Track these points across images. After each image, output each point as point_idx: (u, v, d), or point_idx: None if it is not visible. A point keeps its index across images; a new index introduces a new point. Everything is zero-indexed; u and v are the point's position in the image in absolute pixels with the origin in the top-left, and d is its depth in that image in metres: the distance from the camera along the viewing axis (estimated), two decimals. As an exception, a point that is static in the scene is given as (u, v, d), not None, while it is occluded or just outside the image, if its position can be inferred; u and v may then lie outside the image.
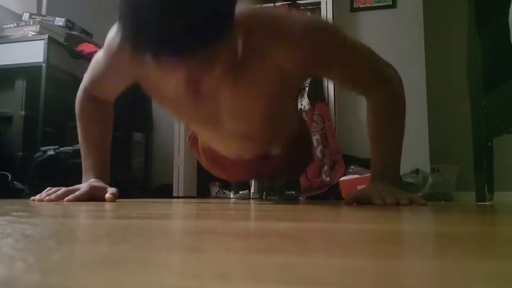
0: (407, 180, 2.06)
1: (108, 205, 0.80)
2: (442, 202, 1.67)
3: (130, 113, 2.61)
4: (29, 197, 1.05)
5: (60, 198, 0.96)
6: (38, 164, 1.69)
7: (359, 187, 1.81)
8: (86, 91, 1.10)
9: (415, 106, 2.62)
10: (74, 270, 0.17)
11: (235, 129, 1.01)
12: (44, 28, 2.14)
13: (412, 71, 2.63)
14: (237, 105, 0.92)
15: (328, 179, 2.34)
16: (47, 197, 0.96)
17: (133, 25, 0.64)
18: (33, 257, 0.20)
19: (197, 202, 1.21)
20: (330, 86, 2.54)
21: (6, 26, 2.19)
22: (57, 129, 2.08)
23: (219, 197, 2.84)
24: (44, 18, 2.31)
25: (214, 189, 3.00)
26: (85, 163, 1.08)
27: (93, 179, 1.04)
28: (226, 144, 1.14)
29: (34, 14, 2.35)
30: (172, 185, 2.76)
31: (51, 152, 1.71)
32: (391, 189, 0.92)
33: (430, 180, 2.04)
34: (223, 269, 0.17)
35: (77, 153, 1.68)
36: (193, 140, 1.38)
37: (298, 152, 1.32)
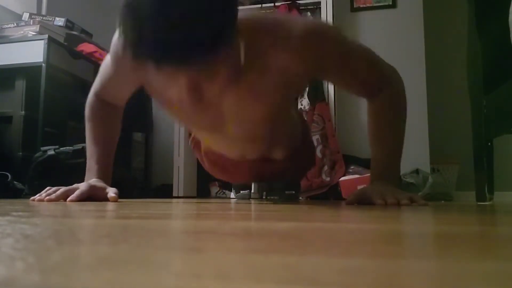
0: (407, 180, 2.06)
1: (108, 205, 0.80)
2: (442, 202, 1.67)
3: (130, 113, 2.60)
4: (29, 197, 1.05)
5: (60, 198, 0.96)
6: (38, 164, 1.69)
7: (359, 187, 1.81)
8: (97, 95, 1.12)
9: (415, 106, 2.62)
10: (74, 270, 0.17)
11: (239, 132, 1.01)
12: (44, 28, 2.14)
13: (412, 71, 2.63)
14: (240, 109, 0.92)
15: (328, 179, 2.34)
16: (47, 197, 0.96)
17: (134, 34, 0.64)
18: (33, 257, 0.20)
19: (197, 202, 1.21)
20: (330, 86, 2.54)
21: (6, 26, 2.19)
22: (57, 129, 2.08)
23: (219, 197, 2.84)
24: (44, 18, 2.31)
25: (214, 189, 3.00)
26: (89, 162, 1.09)
27: (94, 179, 1.04)
28: (229, 146, 1.14)
29: (34, 14, 2.35)
30: (172, 185, 2.76)
31: (51, 152, 1.71)
32: (392, 189, 0.93)
33: (430, 180, 2.04)
34: (223, 269, 0.17)
35: (77, 153, 1.69)
36: (195, 143, 1.38)
37: (300, 155, 1.32)
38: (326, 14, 2.62)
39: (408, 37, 2.70)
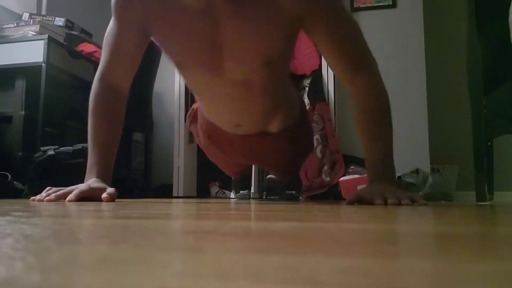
0: (407, 180, 2.06)
1: (108, 205, 0.80)
2: (442, 202, 1.67)
3: (130, 113, 2.60)
4: (29, 197, 1.05)
5: (60, 198, 0.96)
6: (38, 164, 1.69)
7: (359, 187, 1.81)
8: (102, 79, 1.10)
9: (415, 106, 2.62)
10: (74, 270, 0.17)
11: (238, 75, 1.03)
12: (44, 28, 2.14)
13: (412, 71, 2.63)
14: (240, 41, 0.95)
15: (328, 179, 2.34)
16: (47, 198, 0.96)
17: None
18: (33, 257, 0.20)
19: (197, 202, 1.21)
20: (330, 86, 2.54)
21: (6, 26, 2.19)
22: (57, 129, 2.08)
23: (219, 197, 2.84)
24: (44, 18, 2.31)
25: (214, 189, 3.00)
26: (90, 160, 1.08)
27: (93, 179, 1.04)
28: (228, 106, 1.14)
29: (34, 14, 2.35)
30: (172, 185, 2.76)
31: (51, 152, 1.71)
32: (392, 189, 0.93)
33: (430, 180, 2.04)
34: (223, 269, 0.17)
35: (77, 153, 1.69)
36: (193, 116, 1.38)
37: (297, 135, 1.32)
38: (326, 14, 2.62)
39: (408, 37, 2.70)
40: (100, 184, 1.03)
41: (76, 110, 2.21)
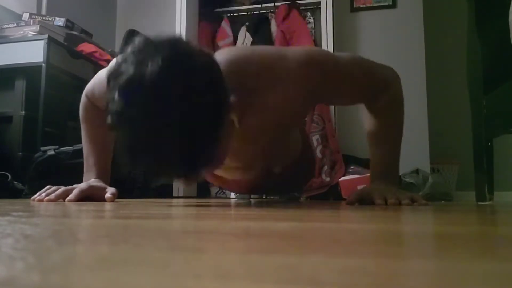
0: (407, 180, 2.06)
1: (108, 205, 0.80)
2: (442, 202, 1.67)
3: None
4: (29, 197, 1.05)
5: (59, 197, 0.96)
6: (38, 164, 1.69)
7: (359, 187, 1.81)
8: (87, 97, 1.11)
9: (415, 106, 2.62)
10: (74, 270, 0.17)
11: (238, 164, 1.01)
12: (44, 28, 2.14)
13: (412, 71, 2.63)
14: (240, 149, 0.90)
15: (328, 179, 2.34)
16: (46, 198, 0.96)
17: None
18: (33, 257, 0.20)
19: (197, 202, 1.21)
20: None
21: (6, 26, 2.19)
22: (57, 129, 2.08)
23: (219, 197, 2.84)
24: (44, 18, 2.31)
25: (214, 189, 3.00)
26: (87, 162, 1.09)
27: (93, 179, 1.04)
28: (229, 174, 1.11)
29: (34, 14, 2.35)
30: (172, 185, 2.76)
31: (51, 152, 1.70)
32: (393, 189, 0.93)
33: (430, 180, 2.04)
34: (223, 269, 0.17)
35: (77, 153, 1.69)
36: None
37: (299, 171, 1.31)
38: (326, 14, 2.61)
39: (408, 37, 2.70)
40: (100, 184, 1.03)
41: (76, 110, 2.20)
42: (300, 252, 0.22)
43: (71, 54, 2.21)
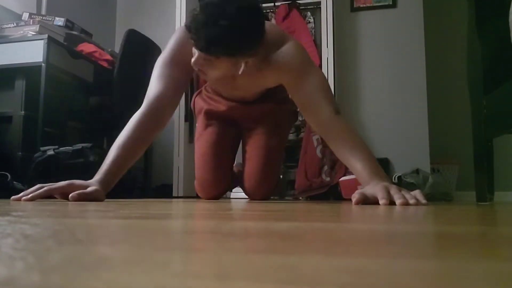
0: (407, 180, 2.06)
1: (108, 205, 0.80)
2: (442, 202, 1.67)
3: (130, 114, 2.60)
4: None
5: (40, 195, 0.97)
6: (38, 164, 1.69)
7: (359, 187, 1.81)
8: (153, 99, 1.18)
9: (415, 106, 2.62)
10: (74, 270, 0.17)
11: (240, 97, 1.55)
12: (44, 28, 2.14)
13: (412, 71, 2.63)
14: (246, 88, 1.40)
15: (328, 179, 2.34)
16: (24, 198, 0.97)
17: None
18: (33, 257, 0.20)
19: (197, 202, 1.21)
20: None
21: (6, 26, 2.19)
22: (57, 129, 2.08)
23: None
24: (44, 18, 2.31)
25: (214, 189, 2.99)
26: (102, 166, 1.08)
27: (93, 180, 1.05)
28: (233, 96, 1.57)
29: (33, 14, 2.35)
30: (172, 185, 2.76)
31: (50, 152, 1.71)
32: (395, 186, 0.95)
33: (430, 180, 2.04)
34: (223, 269, 0.17)
35: (76, 153, 1.69)
36: (199, 92, 1.69)
37: (281, 114, 1.63)
38: (326, 14, 2.61)
39: (408, 37, 2.70)
40: (82, 182, 1.02)
41: (76, 110, 2.21)
42: (300, 252, 0.22)
43: (71, 54, 2.21)
